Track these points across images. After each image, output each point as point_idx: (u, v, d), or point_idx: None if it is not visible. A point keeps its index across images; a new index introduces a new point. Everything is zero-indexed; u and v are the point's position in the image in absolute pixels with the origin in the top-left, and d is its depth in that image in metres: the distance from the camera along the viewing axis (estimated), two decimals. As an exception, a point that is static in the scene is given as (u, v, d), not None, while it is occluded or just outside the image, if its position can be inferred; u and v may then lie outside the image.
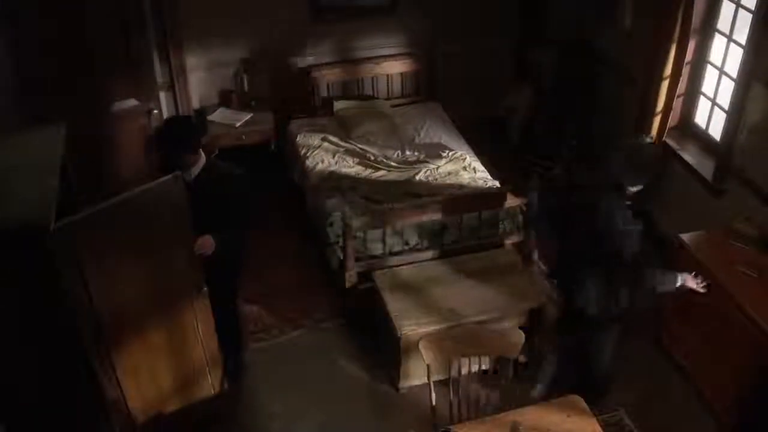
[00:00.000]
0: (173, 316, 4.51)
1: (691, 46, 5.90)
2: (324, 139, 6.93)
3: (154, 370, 4.57)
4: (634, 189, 4.47)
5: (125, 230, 3.98)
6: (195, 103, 7.16)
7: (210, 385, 4.91)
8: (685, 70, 6.01)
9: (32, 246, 3.50)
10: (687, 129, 6.32)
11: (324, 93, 7.48)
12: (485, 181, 6.37)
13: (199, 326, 4.64)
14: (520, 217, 5.92)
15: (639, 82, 6.36)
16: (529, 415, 4.07)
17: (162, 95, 6.85)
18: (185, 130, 4.78)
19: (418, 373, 5.20)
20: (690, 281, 4.55)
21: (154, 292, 4.31)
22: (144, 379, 4.48)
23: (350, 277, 5.57)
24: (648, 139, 5.49)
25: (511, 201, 5.74)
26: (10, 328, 3.75)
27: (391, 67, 7.49)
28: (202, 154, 4.71)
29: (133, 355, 4.35)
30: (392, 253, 5.68)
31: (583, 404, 4.11)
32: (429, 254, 5.72)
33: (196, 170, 4.66)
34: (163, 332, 4.51)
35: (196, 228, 4.45)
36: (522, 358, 4.97)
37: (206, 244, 4.51)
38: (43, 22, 5.64)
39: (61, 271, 3.66)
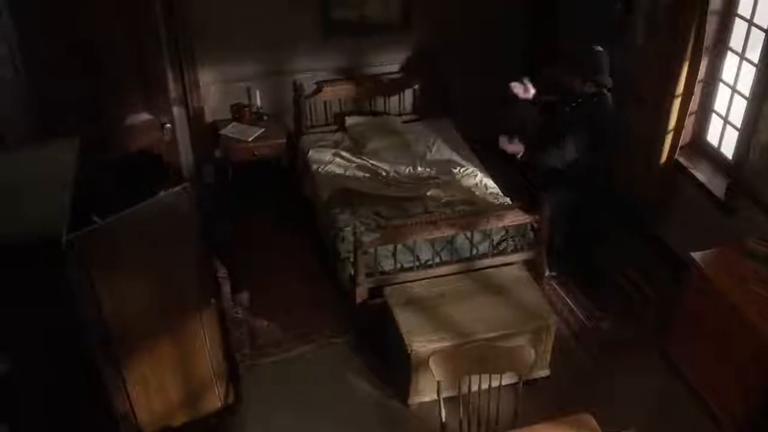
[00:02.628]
0: (181, 327, 4.52)
1: (704, 64, 5.90)
2: (336, 155, 6.95)
3: (163, 383, 4.57)
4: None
5: (134, 242, 3.99)
6: (208, 118, 7.20)
7: (216, 397, 4.91)
8: (698, 88, 6.01)
9: (44, 259, 3.52)
10: (699, 147, 6.31)
11: (336, 108, 7.51)
12: (496, 198, 6.37)
13: (207, 338, 4.65)
14: (531, 234, 5.92)
15: (649, 99, 6.35)
16: (539, 432, 4.06)
17: (175, 109, 6.88)
18: None
19: (428, 389, 5.19)
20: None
21: (163, 304, 4.32)
22: (152, 392, 4.48)
23: (361, 292, 5.57)
24: (598, 48, 5.75)
25: (522, 217, 5.73)
26: (22, 341, 3.77)
27: (402, 82, 7.52)
28: None
29: (142, 367, 4.36)
30: (403, 269, 5.68)
31: (594, 423, 4.10)
32: (440, 270, 5.72)
33: None
34: (172, 344, 4.51)
35: None
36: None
37: None
38: (58, 37, 5.69)
39: (73, 284, 3.68)
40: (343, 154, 6.95)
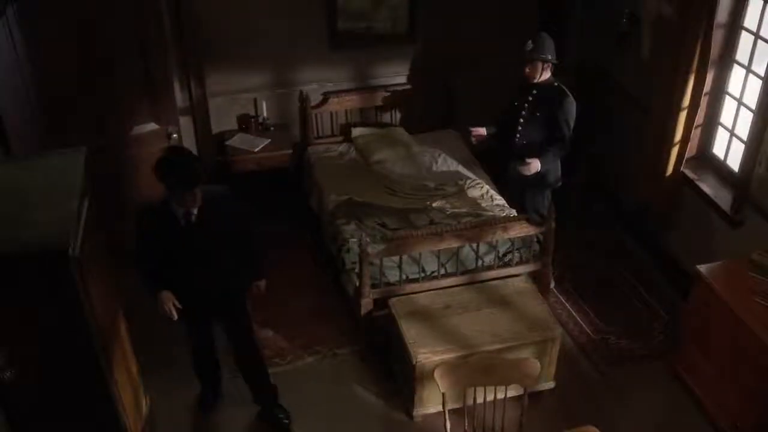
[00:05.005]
0: (121, 332, 4.63)
1: (710, 76, 5.89)
2: (342, 166, 6.95)
3: (135, 391, 4.69)
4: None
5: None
6: (214, 128, 7.21)
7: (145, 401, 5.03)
8: (704, 101, 6.00)
9: (51, 269, 3.54)
10: (705, 159, 6.31)
11: (342, 119, 7.53)
12: (502, 209, 6.36)
13: (128, 340, 4.77)
14: (537, 246, 5.92)
15: (656, 111, 6.35)
16: (544, 445, 4.06)
17: (182, 120, 6.89)
18: (186, 166, 4.35)
19: (433, 401, 5.19)
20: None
21: (114, 309, 4.48)
22: (129, 401, 4.51)
23: (366, 303, 5.57)
24: (543, 33, 6.01)
25: (528, 229, 5.73)
26: (30, 349, 3.78)
27: (408, 94, 7.53)
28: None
29: (121, 374, 4.41)
30: (408, 281, 5.68)
31: (600, 435, 4.10)
32: (445, 282, 5.71)
33: (195, 208, 4.42)
34: (125, 351, 4.61)
35: (200, 267, 4.58)
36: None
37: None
38: (65, 45, 5.71)
39: (78, 293, 3.69)
40: (349, 165, 6.96)
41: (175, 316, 4.53)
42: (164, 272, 4.57)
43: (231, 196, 4.71)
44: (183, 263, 4.58)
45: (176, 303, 4.51)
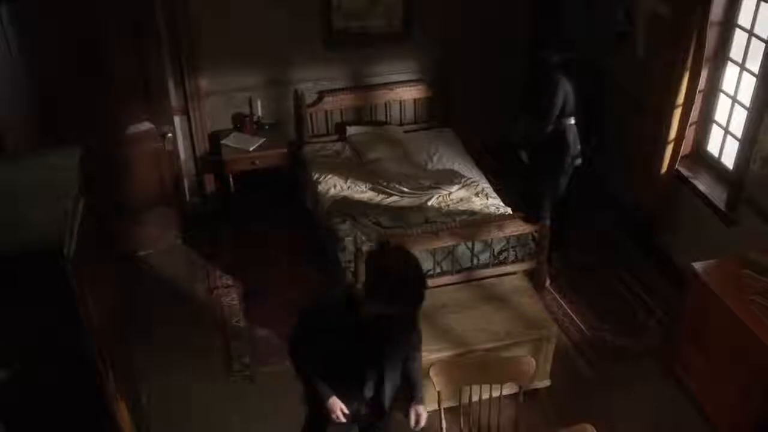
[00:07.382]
0: (119, 332, 4.62)
1: (704, 74, 5.91)
2: (337, 164, 6.95)
3: (133, 391, 4.68)
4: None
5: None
6: (209, 127, 7.21)
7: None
8: (698, 99, 6.01)
9: (46, 269, 3.53)
10: (699, 157, 6.32)
11: (337, 118, 7.52)
12: (497, 208, 6.37)
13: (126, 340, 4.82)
14: (532, 244, 5.92)
15: (650, 110, 6.36)
16: (539, 443, 4.06)
17: (176, 119, 6.90)
18: (418, 285, 3.62)
19: (429, 399, 5.17)
20: None
21: (111, 310, 4.47)
22: (126, 401, 4.50)
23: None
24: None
25: (523, 227, 5.73)
26: (25, 349, 3.78)
27: (404, 92, 7.53)
28: None
29: (119, 377, 4.39)
30: (404, 279, 5.66)
31: (595, 433, 4.09)
32: (440, 280, 5.71)
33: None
34: (122, 352, 4.62)
35: (369, 366, 4.06)
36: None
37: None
38: (59, 44, 5.71)
39: (74, 292, 3.69)
40: (345, 163, 6.95)
41: (344, 420, 4.09)
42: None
43: None
44: (348, 363, 4.00)
45: (344, 408, 4.04)
